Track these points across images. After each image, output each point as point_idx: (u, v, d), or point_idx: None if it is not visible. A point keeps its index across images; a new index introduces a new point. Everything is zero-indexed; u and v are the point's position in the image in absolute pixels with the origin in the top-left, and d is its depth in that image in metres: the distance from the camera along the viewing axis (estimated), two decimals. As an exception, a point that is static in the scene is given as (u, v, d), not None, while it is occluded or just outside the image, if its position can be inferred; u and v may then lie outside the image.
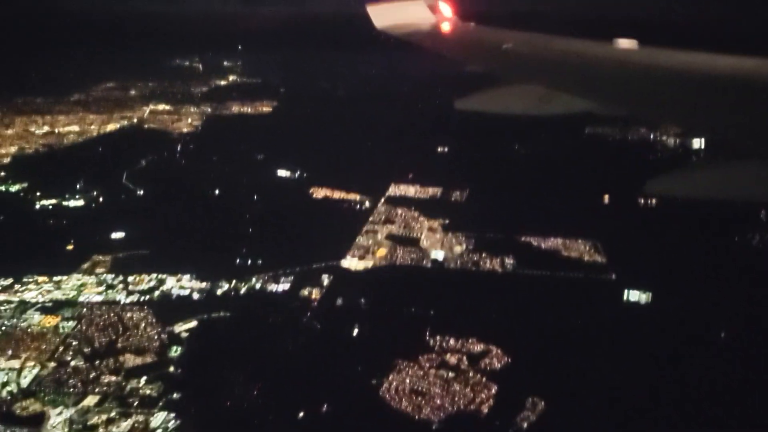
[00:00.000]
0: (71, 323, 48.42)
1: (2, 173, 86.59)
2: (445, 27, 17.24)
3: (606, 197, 79.81)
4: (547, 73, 10.80)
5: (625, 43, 10.76)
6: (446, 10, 18.30)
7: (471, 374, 43.13)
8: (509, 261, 60.97)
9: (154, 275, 56.13)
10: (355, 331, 48.71)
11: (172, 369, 43.23)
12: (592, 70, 9.86)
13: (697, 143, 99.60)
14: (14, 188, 79.64)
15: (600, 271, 58.93)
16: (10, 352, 44.60)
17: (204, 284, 55.08)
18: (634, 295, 53.70)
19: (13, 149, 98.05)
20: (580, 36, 11.90)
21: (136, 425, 37.82)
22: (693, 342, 46.79)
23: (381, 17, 17.62)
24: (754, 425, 38.66)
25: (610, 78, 9.36)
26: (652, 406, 40.23)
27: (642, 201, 76.90)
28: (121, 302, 52.13)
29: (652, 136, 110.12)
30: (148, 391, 40.62)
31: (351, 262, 61.14)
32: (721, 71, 7.84)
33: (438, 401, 40.34)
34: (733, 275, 56.15)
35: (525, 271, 59.12)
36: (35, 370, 42.36)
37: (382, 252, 63.53)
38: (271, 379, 42.11)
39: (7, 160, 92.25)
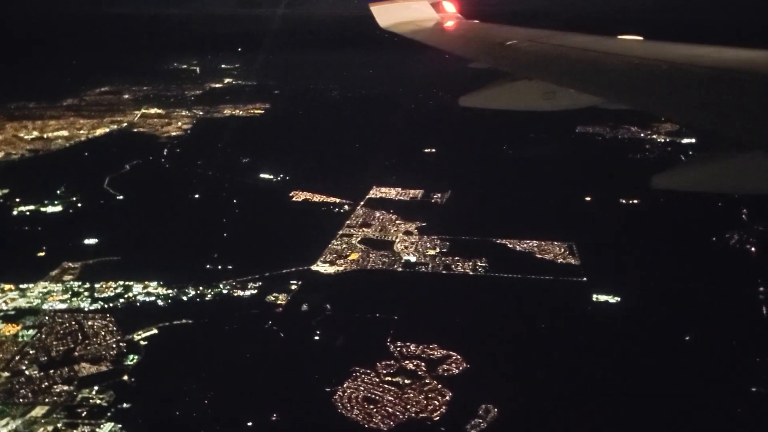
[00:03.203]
0: (31, 332, 48.23)
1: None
2: (449, 24, 17.04)
3: (588, 198, 78.98)
4: (551, 69, 10.88)
5: (628, 39, 10.86)
6: (450, 8, 18.20)
7: (427, 381, 42.54)
8: (482, 264, 60.25)
9: (121, 282, 55.83)
10: (316, 338, 48.27)
11: (125, 378, 42.88)
12: (596, 65, 9.90)
13: (687, 141, 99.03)
14: (-6, 195, 79.79)
15: (572, 273, 58.09)
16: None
17: (170, 291, 54.74)
18: (603, 298, 52.95)
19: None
20: (583, 32, 12.11)
21: (81, 436, 37.57)
22: (658, 346, 46.05)
23: (385, 16, 17.82)
24: (720, 425, 38.14)
25: (614, 72, 9.40)
26: (614, 411, 39.54)
27: (624, 201, 75.99)
28: (85, 310, 51.85)
29: (642, 135, 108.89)
30: (98, 401, 40.29)
31: (321, 267, 60.64)
32: (726, 63, 7.80)
33: (389, 409, 39.76)
34: (706, 277, 55.34)
35: (496, 274, 58.38)
36: (-12, 380, 42.23)
37: (354, 256, 62.93)
38: (223, 388, 41.65)
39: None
